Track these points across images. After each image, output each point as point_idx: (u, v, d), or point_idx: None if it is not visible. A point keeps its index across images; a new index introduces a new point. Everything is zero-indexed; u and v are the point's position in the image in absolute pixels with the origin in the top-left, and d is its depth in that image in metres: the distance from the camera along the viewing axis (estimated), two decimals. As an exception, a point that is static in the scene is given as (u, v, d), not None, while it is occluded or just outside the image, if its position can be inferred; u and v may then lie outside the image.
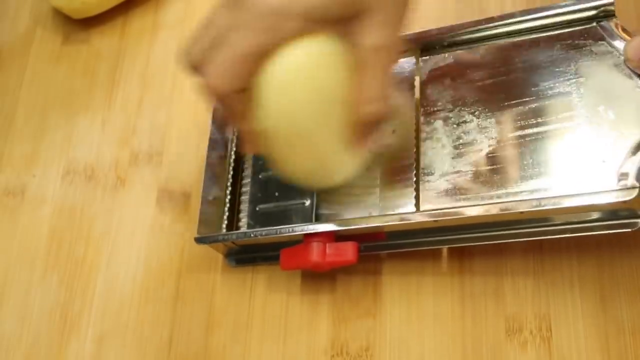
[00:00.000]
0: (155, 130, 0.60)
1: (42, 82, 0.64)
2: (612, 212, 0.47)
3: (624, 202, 0.45)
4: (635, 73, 0.49)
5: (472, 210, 0.47)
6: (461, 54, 0.54)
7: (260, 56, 0.45)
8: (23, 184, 0.60)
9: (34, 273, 0.56)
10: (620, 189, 0.45)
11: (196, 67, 0.47)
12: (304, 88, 0.46)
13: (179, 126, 0.60)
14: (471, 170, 0.50)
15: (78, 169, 0.60)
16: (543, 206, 0.46)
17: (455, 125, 0.52)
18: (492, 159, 0.50)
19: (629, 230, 0.47)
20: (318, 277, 0.53)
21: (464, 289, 0.52)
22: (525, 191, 0.48)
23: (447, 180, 0.50)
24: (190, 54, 0.47)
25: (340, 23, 0.45)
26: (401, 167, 0.51)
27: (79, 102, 0.63)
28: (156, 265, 0.55)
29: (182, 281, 0.55)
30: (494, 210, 0.47)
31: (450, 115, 0.52)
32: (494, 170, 0.49)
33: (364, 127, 0.47)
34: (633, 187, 0.45)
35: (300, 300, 0.53)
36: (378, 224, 0.49)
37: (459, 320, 0.51)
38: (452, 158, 0.51)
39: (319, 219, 0.52)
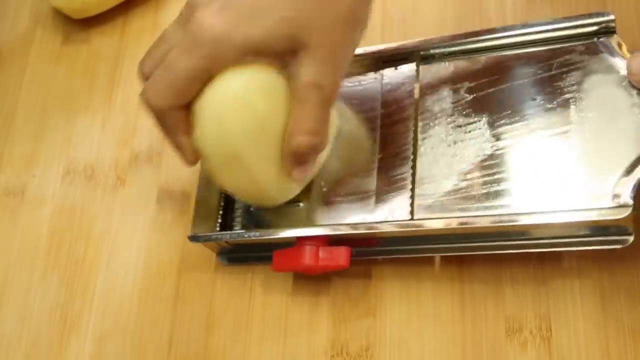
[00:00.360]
0: (155, 130, 0.60)
1: (42, 82, 0.64)
2: (604, 228, 0.47)
3: (617, 220, 0.45)
4: (636, 89, 0.48)
5: (466, 221, 0.48)
6: (461, 63, 0.54)
7: (198, 79, 0.46)
8: (23, 184, 0.60)
9: (34, 273, 0.56)
10: (614, 207, 0.46)
11: (145, 78, 0.48)
12: (239, 116, 0.46)
13: (179, 126, 0.60)
14: (467, 181, 0.50)
15: (78, 169, 0.60)
16: (538, 220, 0.47)
17: (452, 135, 0.52)
18: (489, 170, 0.50)
19: (619, 247, 0.47)
20: (317, 277, 0.53)
21: (464, 288, 0.52)
22: (519, 204, 0.48)
23: (443, 190, 0.50)
24: (143, 65, 0.49)
25: (279, 57, 0.46)
26: (398, 175, 0.52)
27: (79, 102, 0.63)
28: (156, 265, 0.55)
29: (182, 281, 0.55)
30: (487, 222, 0.47)
31: (449, 125, 0.52)
32: (489, 182, 0.49)
33: (295, 159, 0.48)
34: (626, 206, 0.45)
35: (300, 301, 0.53)
36: (371, 231, 0.49)
37: (459, 320, 0.51)
38: (449, 168, 0.51)
39: (313, 222, 0.52)
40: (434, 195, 0.50)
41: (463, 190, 0.50)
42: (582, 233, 0.48)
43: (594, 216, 0.46)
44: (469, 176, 0.50)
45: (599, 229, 0.47)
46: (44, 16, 0.67)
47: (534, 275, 0.51)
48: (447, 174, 0.50)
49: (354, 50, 0.48)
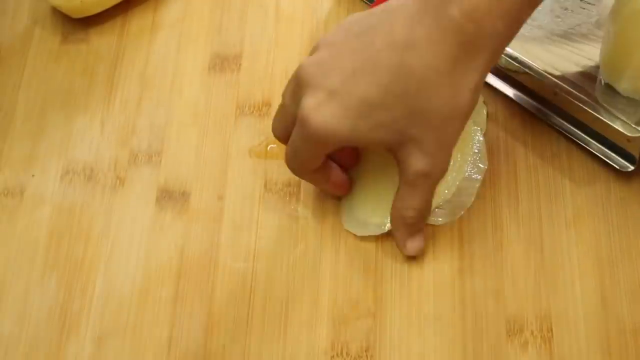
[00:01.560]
0: (154, 129, 0.60)
1: (40, 82, 0.64)
2: (615, 145, 0.53)
3: (626, 136, 0.51)
4: None
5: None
6: None
7: (319, 159, 0.50)
8: (22, 184, 0.59)
9: (33, 273, 0.56)
10: (632, 125, 0.51)
11: (278, 137, 0.53)
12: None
13: (179, 126, 0.60)
14: None
15: (77, 169, 0.59)
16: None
17: None
18: None
19: (618, 167, 0.53)
20: (317, 277, 0.53)
21: (465, 289, 0.52)
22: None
23: None
24: (274, 130, 0.53)
25: (386, 147, 0.49)
26: None
27: (78, 102, 0.62)
28: (155, 265, 0.55)
29: (182, 281, 0.54)
30: None
31: None
32: None
33: (405, 229, 0.51)
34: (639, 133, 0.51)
35: (300, 300, 0.53)
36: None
37: (459, 321, 0.51)
38: None
39: None
40: None
41: None
42: (597, 134, 0.54)
43: (616, 124, 0.51)
44: None
45: (612, 143, 0.53)
46: (43, 15, 0.67)
47: (535, 275, 0.51)
48: None
49: (461, 128, 0.48)
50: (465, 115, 0.47)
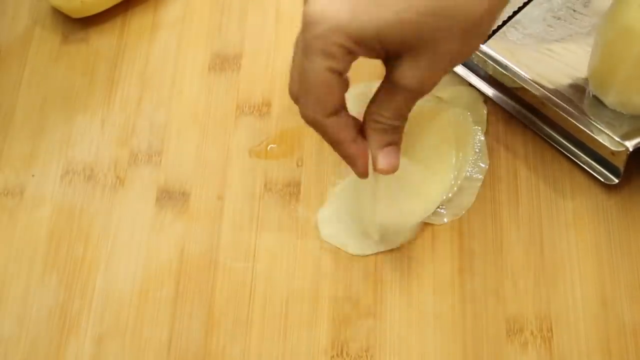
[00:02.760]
0: (154, 129, 0.60)
1: (40, 82, 0.64)
2: (603, 159, 0.53)
3: (611, 150, 0.51)
4: None
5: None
6: None
7: (326, 84, 0.43)
8: (22, 183, 0.59)
9: (33, 273, 0.56)
10: (617, 140, 0.51)
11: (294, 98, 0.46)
12: None
13: (179, 126, 0.60)
14: None
15: (77, 169, 0.59)
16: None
17: None
18: None
19: (603, 180, 0.53)
20: (317, 277, 0.53)
21: (465, 289, 0.52)
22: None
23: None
24: (290, 89, 0.46)
25: (382, 54, 0.44)
26: None
27: (78, 102, 0.62)
28: (155, 265, 0.55)
29: (182, 281, 0.54)
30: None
31: None
32: None
33: (377, 136, 0.47)
34: (624, 147, 0.51)
35: (300, 300, 0.53)
36: None
37: (459, 321, 0.51)
38: None
39: None
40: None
41: None
42: (583, 146, 0.54)
43: (601, 137, 0.52)
44: None
45: (597, 155, 0.53)
46: (43, 15, 0.67)
47: (535, 275, 0.51)
48: None
49: (465, 59, 0.46)
50: (474, 35, 0.43)
